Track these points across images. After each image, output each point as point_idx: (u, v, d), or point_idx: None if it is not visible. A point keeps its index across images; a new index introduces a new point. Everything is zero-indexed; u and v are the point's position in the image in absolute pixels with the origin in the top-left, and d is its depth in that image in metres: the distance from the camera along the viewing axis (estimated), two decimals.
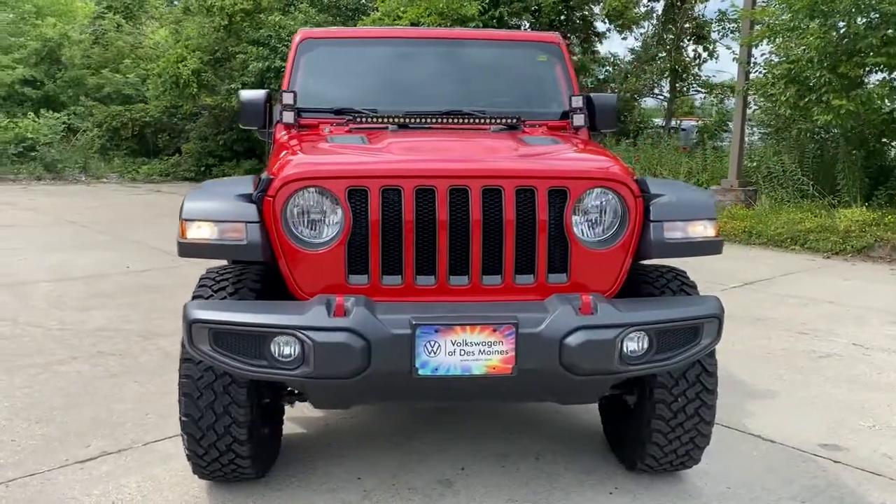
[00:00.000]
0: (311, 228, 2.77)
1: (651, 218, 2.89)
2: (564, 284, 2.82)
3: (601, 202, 2.84)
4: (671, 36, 17.57)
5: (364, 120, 3.73)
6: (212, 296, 2.94)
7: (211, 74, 18.64)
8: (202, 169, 19.43)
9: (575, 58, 18.99)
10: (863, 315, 6.44)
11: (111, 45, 21.93)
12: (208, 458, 2.95)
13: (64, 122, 19.28)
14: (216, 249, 2.81)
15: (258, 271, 3.06)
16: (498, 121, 3.75)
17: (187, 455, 2.98)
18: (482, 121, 3.76)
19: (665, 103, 18.75)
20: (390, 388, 2.72)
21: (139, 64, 21.70)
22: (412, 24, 14.25)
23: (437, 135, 3.49)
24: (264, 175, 2.87)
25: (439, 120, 3.77)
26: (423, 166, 2.79)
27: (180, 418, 2.90)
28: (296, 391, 3.10)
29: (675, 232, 2.90)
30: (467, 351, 2.56)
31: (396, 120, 3.69)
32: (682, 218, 2.92)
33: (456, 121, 3.78)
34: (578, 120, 4.02)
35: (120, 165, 20.05)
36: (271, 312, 2.61)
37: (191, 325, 2.60)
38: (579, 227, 2.82)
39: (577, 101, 4.03)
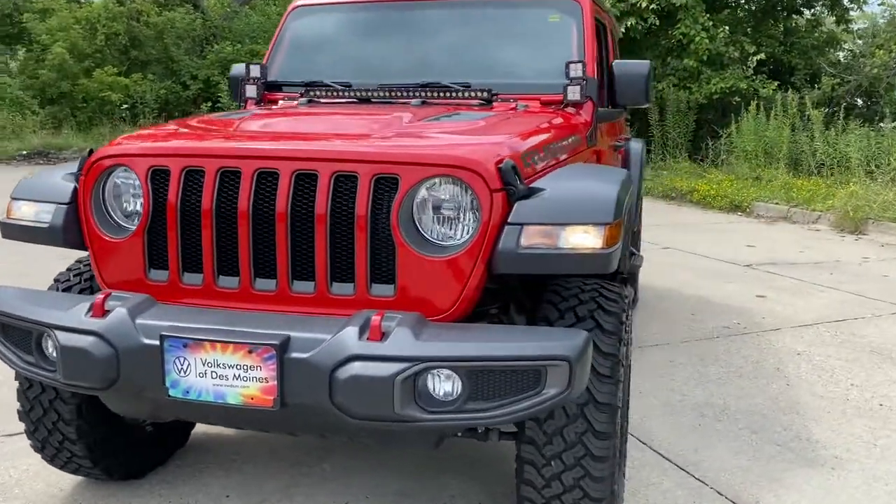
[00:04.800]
0: (115, 213, 2.45)
1: (508, 219, 2.15)
2: (390, 299, 2.20)
3: (441, 195, 2.18)
4: None
5: (315, 94, 3.43)
6: (68, 282, 2.78)
7: None
8: None
9: (823, 28, 16.56)
10: None
11: None
12: (48, 453, 2.79)
13: None
14: (29, 232, 2.59)
15: None
16: (462, 95, 3.25)
17: (31, 446, 2.83)
18: (455, 94, 3.30)
19: None
20: (153, 406, 2.32)
21: None
22: None
23: (341, 109, 3.04)
24: (84, 153, 2.59)
25: (411, 93, 3.32)
26: (227, 144, 2.34)
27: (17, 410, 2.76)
28: None
29: (534, 238, 2.11)
30: (220, 374, 2.07)
31: (361, 94, 3.38)
32: (553, 221, 2.13)
33: (430, 94, 3.33)
34: (573, 93, 3.29)
35: None
36: (42, 306, 2.33)
37: None
38: (410, 226, 2.19)
39: (576, 70, 3.28)
